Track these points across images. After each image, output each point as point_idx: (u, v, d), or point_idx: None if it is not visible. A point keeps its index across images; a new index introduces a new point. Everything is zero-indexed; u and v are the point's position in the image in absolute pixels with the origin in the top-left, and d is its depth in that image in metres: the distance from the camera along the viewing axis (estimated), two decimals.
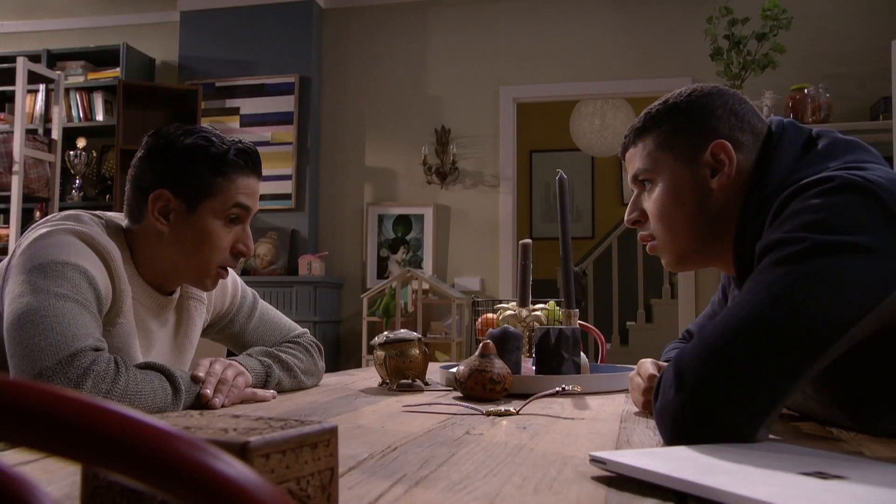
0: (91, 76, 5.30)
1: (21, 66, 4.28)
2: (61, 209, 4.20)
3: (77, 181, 5.17)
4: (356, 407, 1.22)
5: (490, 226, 5.00)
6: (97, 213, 1.32)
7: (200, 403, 1.20)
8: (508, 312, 1.64)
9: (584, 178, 7.61)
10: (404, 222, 5.12)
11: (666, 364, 1.10)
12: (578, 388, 1.28)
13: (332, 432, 0.55)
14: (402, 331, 1.47)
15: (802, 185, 0.92)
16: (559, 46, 4.99)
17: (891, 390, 0.93)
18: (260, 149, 5.50)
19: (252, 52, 5.20)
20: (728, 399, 0.81)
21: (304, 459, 0.52)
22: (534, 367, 1.49)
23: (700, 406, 0.82)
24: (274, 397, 1.31)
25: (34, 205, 4.85)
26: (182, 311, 1.41)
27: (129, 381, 1.09)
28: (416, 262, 5.05)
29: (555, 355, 1.45)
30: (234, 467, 0.25)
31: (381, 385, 1.53)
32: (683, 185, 1.07)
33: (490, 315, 1.80)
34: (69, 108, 5.22)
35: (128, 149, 4.67)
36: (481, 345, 1.34)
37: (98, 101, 5.23)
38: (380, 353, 1.45)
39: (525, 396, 1.23)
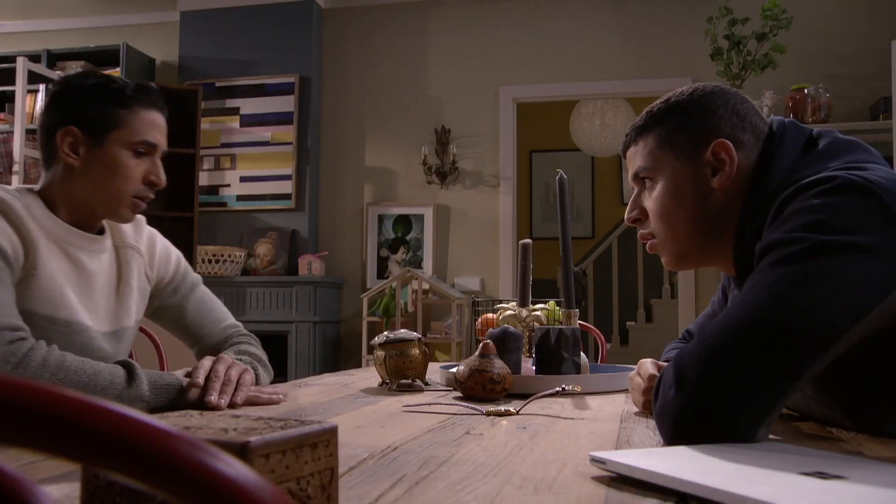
0: None
1: (21, 66, 4.28)
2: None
3: None
4: (356, 407, 1.22)
5: (490, 226, 5.00)
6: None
7: (198, 406, 1.19)
8: (508, 312, 1.64)
9: (584, 178, 7.61)
10: (404, 222, 5.12)
11: (666, 364, 1.10)
12: (578, 388, 1.28)
13: (332, 432, 0.55)
14: (402, 331, 1.47)
15: (802, 185, 0.92)
16: (559, 46, 4.99)
17: (891, 390, 0.93)
18: (260, 149, 5.49)
19: (252, 52, 5.20)
20: (728, 399, 0.81)
21: (304, 459, 0.52)
22: (534, 367, 1.49)
23: (700, 406, 0.82)
24: (283, 398, 1.31)
25: None
26: (119, 258, 1.43)
27: (48, 361, 1.10)
28: (416, 262, 5.05)
29: (555, 355, 1.45)
30: (234, 467, 0.25)
31: (381, 385, 1.53)
32: (684, 183, 1.07)
33: (490, 315, 1.80)
34: None
35: None
36: (481, 345, 1.34)
37: None
38: (380, 353, 1.45)
39: (525, 396, 1.23)
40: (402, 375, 1.44)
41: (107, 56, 5.29)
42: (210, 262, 4.83)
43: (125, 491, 0.48)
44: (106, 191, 1.32)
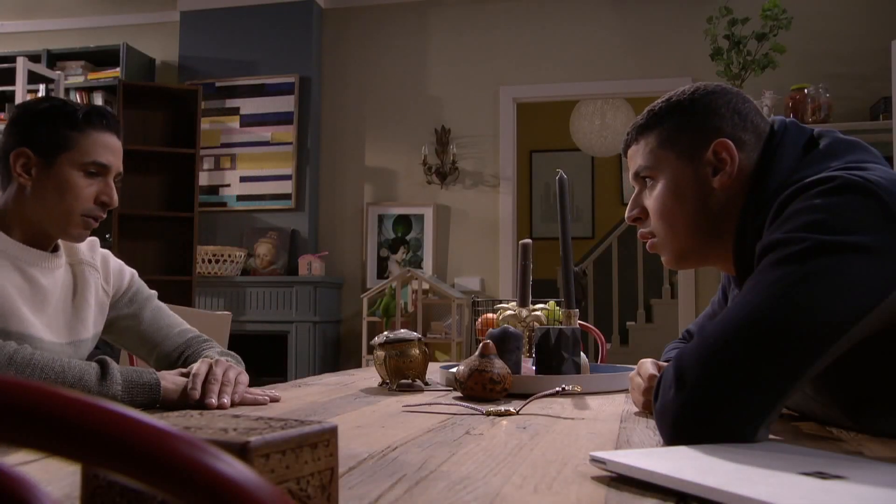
0: (91, 76, 5.30)
1: (21, 66, 4.28)
2: None
3: None
4: (356, 407, 1.22)
5: (490, 226, 5.00)
6: None
7: (198, 406, 1.19)
8: (508, 312, 1.64)
9: (584, 178, 7.61)
10: (404, 222, 5.12)
11: (666, 364, 1.10)
12: (578, 388, 1.28)
13: (332, 432, 0.55)
14: (402, 331, 1.47)
15: (803, 185, 0.92)
16: (559, 46, 4.99)
17: (891, 390, 0.93)
18: (260, 149, 5.49)
19: (252, 52, 5.20)
20: (728, 399, 0.81)
21: (304, 459, 0.52)
22: (534, 367, 1.49)
23: (700, 406, 0.82)
24: (277, 400, 1.31)
25: None
26: (75, 274, 1.46)
27: (14, 358, 1.12)
28: (416, 262, 5.05)
29: (555, 355, 1.45)
30: (234, 467, 0.25)
31: (381, 385, 1.53)
32: (685, 183, 1.07)
33: (490, 315, 1.80)
34: None
35: (128, 149, 4.66)
36: (481, 345, 1.34)
37: (98, 101, 5.23)
38: (380, 353, 1.45)
39: (525, 396, 1.23)
40: (402, 375, 1.44)
41: (107, 56, 5.29)
42: (210, 262, 4.83)
43: (125, 491, 0.48)
44: (56, 210, 1.34)
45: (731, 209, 1.05)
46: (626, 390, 1.40)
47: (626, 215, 1.18)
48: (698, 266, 1.16)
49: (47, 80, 4.74)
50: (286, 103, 5.13)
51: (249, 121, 5.18)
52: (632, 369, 1.30)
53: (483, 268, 4.99)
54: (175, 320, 1.58)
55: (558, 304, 1.63)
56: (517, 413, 1.13)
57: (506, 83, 5.02)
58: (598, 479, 0.70)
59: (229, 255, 4.86)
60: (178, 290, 4.58)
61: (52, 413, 0.25)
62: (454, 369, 1.39)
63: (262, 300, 4.85)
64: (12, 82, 4.32)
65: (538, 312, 1.63)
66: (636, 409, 1.18)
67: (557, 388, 1.20)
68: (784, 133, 1.05)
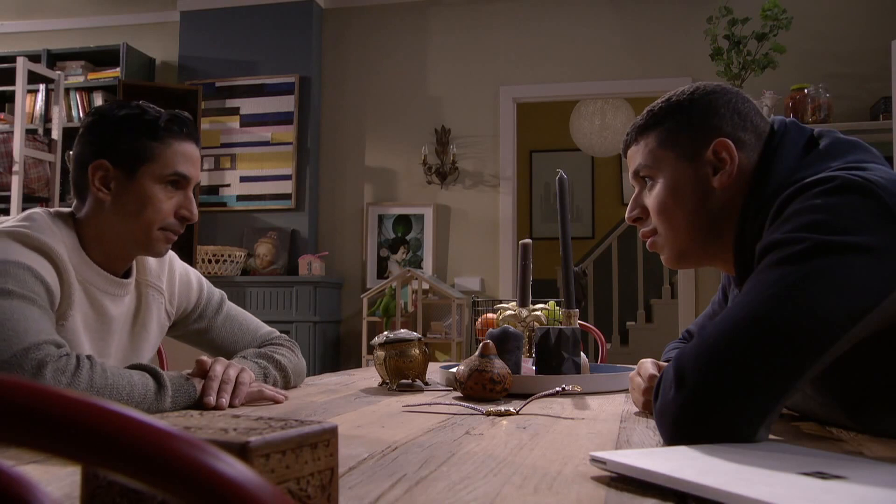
0: (91, 76, 5.30)
1: (21, 66, 4.28)
2: (59, 208, 4.19)
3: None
4: (356, 407, 1.22)
5: (490, 226, 5.00)
6: (52, 208, 1.34)
7: (198, 405, 1.19)
8: (508, 312, 1.64)
9: (584, 178, 7.61)
10: (404, 222, 5.12)
11: (666, 364, 1.10)
12: (578, 388, 1.28)
13: (332, 432, 0.55)
14: (402, 331, 1.47)
15: (803, 186, 0.92)
16: (559, 46, 4.99)
17: (891, 390, 0.93)
18: (260, 149, 5.48)
19: (252, 52, 5.20)
20: (728, 399, 0.81)
21: (304, 459, 0.52)
22: (534, 367, 1.49)
23: (700, 406, 0.82)
24: (286, 398, 1.30)
25: (34, 205, 4.85)
26: (140, 298, 1.42)
27: (94, 376, 1.08)
28: (416, 262, 5.05)
29: (555, 355, 1.45)
30: (234, 467, 0.25)
31: (381, 385, 1.53)
32: (684, 182, 1.07)
33: (490, 315, 1.80)
34: (69, 108, 5.22)
35: None
36: (481, 345, 1.34)
37: (98, 101, 5.23)
38: (380, 353, 1.45)
39: (525, 396, 1.23)
40: (402, 375, 1.44)
41: (107, 56, 5.29)
42: (210, 262, 4.83)
43: (125, 491, 0.48)
44: (135, 225, 1.29)
45: (732, 209, 1.05)
46: (626, 390, 1.40)
47: (626, 216, 1.18)
48: (698, 265, 1.16)
49: (47, 80, 4.74)
50: (286, 103, 5.13)
51: (249, 121, 5.17)
52: (632, 369, 1.30)
53: (483, 268, 4.99)
54: (247, 326, 1.56)
55: (558, 304, 1.63)
56: (517, 413, 1.13)
57: (506, 83, 5.02)
58: (598, 479, 0.70)
59: (229, 255, 4.86)
60: None
61: (52, 413, 0.25)
62: (454, 369, 1.39)
63: (262, 300, 4.85)
64: (12, 82, 4.31)
65: (538, 312, 1.63)
66: (636, 409, 1.18)
67: (557, 388, 1.20)
68: (784, 133, 1.05)
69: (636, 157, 1.14)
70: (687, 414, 0.82)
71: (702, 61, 4.54)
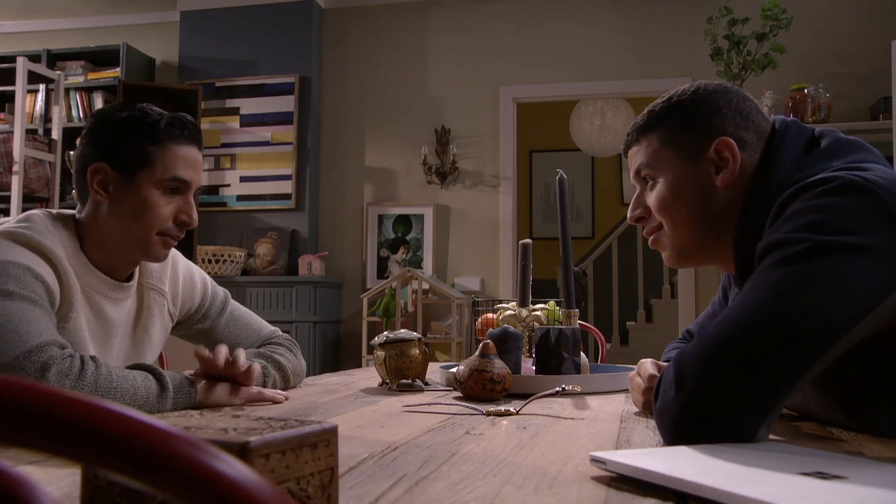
0: (91, 76, 5.30)
1: (21, 66, 4.28)
2: (61, 209, 4.20)
3: None
4: (356, 407, 1.22)
5: (490, 226, 5.00)
6: (52, 210, 1.33)
7: (199, 406, 1.19)
8: (508, 312, 1.64)
9: (584, 178, 7.61)
10: (404, 222, 5.12)
11: (666, 364, 1.10)
12: (578, 388, 1.28)
13: (332, 432, 0.55)
14: (402, 331, 1.47)
15: (803, 186, 0.92)
16: (559, 46, 4.99)
17: (891, 391, 0.93)
18: (260, 149, 5.47)
19: (252, 52, 5.20)
20: (728, 399, 0.81)
21: (304, 459, 0.52)
22: (534, 367, 1.49)
23: (700, 406, 0.82)
24: (286, 398, 1.30)
25: (34, 205, 4.85)
26: (142, 301, 1.41)
27: (98, 378, 1.08)
28: (416, 262, 5.05)
29: (555, 355, 1.45)
30: (234, 467, 0.25)
31: (381, 385, 1.53)
32: (687, 182, 1.07)
33: (490, 315, 1.80)
34: (69, 108, 5.22)
35: None
36: (481, 345, 1.34)
37: (98, 101, 5.23)
38: (380, 353, 1.45)
39: (525, 396, 1.23)
40: (402, 375, 1.44)
41: (107, 56, 5.29)
42: (210, 261, 4.83)
43: (125, 491, 0.48)
44: (133, 230, 1.28)
45: (733, 208, 1.05)
46: (626, 390, 1.40)
47: (628, 215, 1.17)
48: (699, 265, 1.16)
49: (47, 80, 4.73)
50: (286, 103, 5.13)
51: (249, 121, 5.17)
52: (632, 369, 1.30)
53: (483, 268, 4.99)
54: (250, 327, 1.55)
55: (558, 304, 1.63)
56: (517, 413, 1.13)
57: (506, 83, 5.02)
58: (598, 479, 0.70)
59: (229, 255, 4.86)
60: None
61: (52, 413, 0.25)
62: (454, 369, 1.39)
63: (262, 300, 4.85)
64: (12, 82, 4.31)
65: (538, 312, 1.63)
66: (636, 409, 1.18)
67: (557, 388, 1.20)
68: (785, 132, 1.05)
69: (637, 157, 1.13)
70: (687, 414, 0.82)
71: (702, 61, 4.54)
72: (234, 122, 5.19)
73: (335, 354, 5.07)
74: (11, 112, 4.67)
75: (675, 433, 0.83)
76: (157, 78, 5.53)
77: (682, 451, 0.75)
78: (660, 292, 6.42)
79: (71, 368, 1.06)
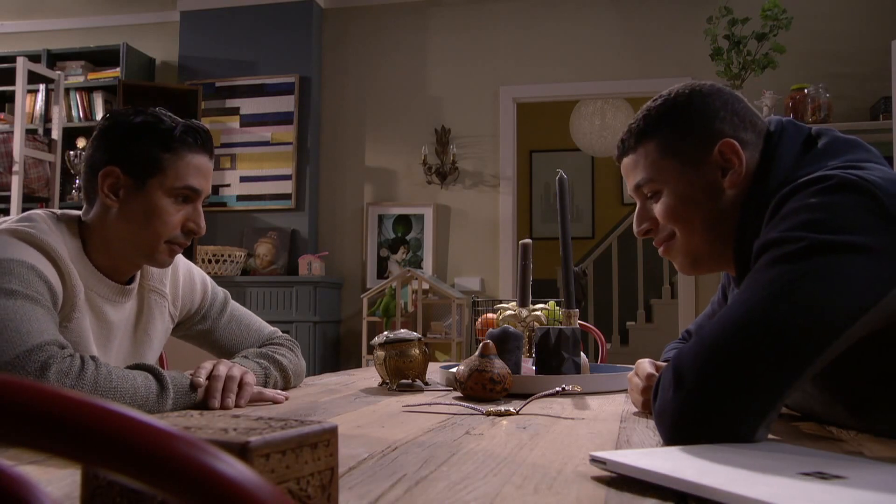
0: (91, 76, 5.30)
1: (21, 66, 4.28)
2: (61, 209, 4.20)
3: (77, 181, 5.17)
4: (356, 407, 1.22)
5: (490, 226, 5.00)
6: (55, 210, 1.33)
7: (198, 406, 1.19)
8: (508, 312, 1.64)
9: (584, 178, 7.61)
10: (404, 222, 5.12)
11: (664, 364, 1.09)
12: (578, 388, 1.28)
13: (332, 432, 0.55)
14: (402, 331, 1.47)
15: (800, 184, 0.92)
16: (559, 46, 4.99)
17: (891, 390, 0.93)
18: (260, 149, 5.47)
19: (252, 52, 5.20)
20: (727, 399, 0.81)
21: (304, 459, 0.52)
22: (534, 367, 1.49)
23: (699, 406, 0.82)
24: (286, 399, 1.30)
25: (34, 205, 4.84)
26: (143, 303, 1.40)
27: (98, 378, 1.08)
28: (416, 262, 5.05)
29: (555, 355, 1.45)
30: (234, 467, 0.25)
31: (381, 385, 1.53)
32: (693, 189, 1.05)
33: (490, 315, 1.80)
34: (69, 108, 5.22)
35: None
36: (481, 345, 1.33)
37: (98, 101, 5.23)
38: (380, 353, 1.45)
39: (525, 396, 1.23)
40: (402, 375, 1.44)
41: (107, 56, 5.29)
42: (210, 262, 4.83)
43: (125, 491, 0.48)
44: (140, 236, 1.28)
45: (735, 208, 1.05)
46: (626, 390, 1.40)
47: (635, 231, 1.15)
48: (712, 271, 1.12)
49: (47, 80, 4.73)
50: (286, 103, 5.13)
51: (249, 121, 5.17)
52: (632, 369, 1.30)
53: (483, 268, 4.99)
54: (250, 327, 1.55)
55: (558, 304, 1.63)
56: (517, 413, 1.13)
57: (506, 83, 5.02)
58: (598, 479, 0.70)
59: (229, 255, 4.86)
60: None
61: (52, 413, 0.25)
62: (454, 369, 1.39)
63: (262, 300, 4.85)
64: (12, 82, 4.31)
65: (538, 312, 1.63)
66: (636, 409, 1.18)
67: (557, 388, 1.20)
68: (783, 131, 1.05)
69: (636, 171, 1.10)
70: (686, 414, 0.82)
71: (702, 61, 4.54)
72: (234, 122, 5.19)
73: (335, 354, 5.07)
74: (11, 112, 4.67)
75: (675, 433, 0.83)
76: (157, 78, 5.53)
77: (682, 451, 0.75)
78: (660, 292, 6.42)
79: (71, 368, 1.06)
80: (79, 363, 1.08)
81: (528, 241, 1.60)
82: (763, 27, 4.24)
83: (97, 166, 1.28)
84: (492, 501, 0.62)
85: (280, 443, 0.49)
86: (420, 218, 5.08)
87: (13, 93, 4.33)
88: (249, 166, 5.14)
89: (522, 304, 1.60)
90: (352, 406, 1.23)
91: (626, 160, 1.13)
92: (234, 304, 1.57)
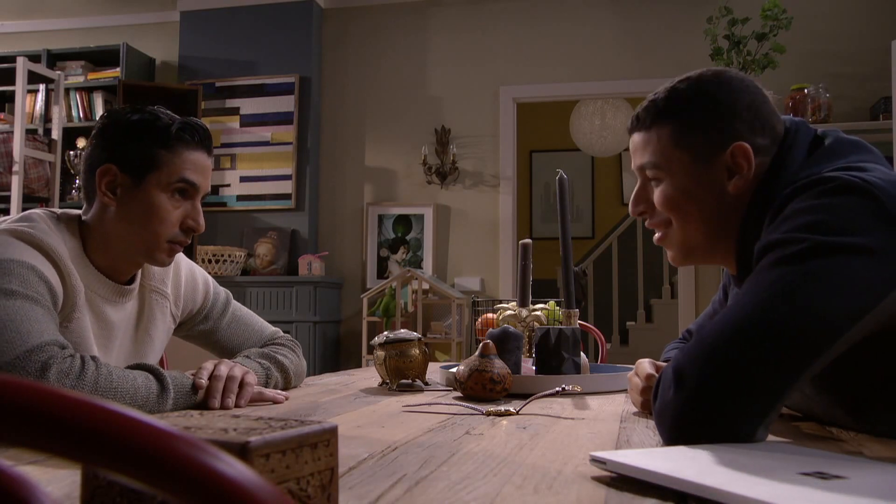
0: (91, 76, 5.30)
1: (21, 66, 4.28)
2: (61, 209, 4.20)
3: (77, 181, 5.17)
4: (356, 407, 1.22)
5: (490, 226, 5.00)
6: (55, 209, 1.32)
7: (199, 406, 1.19)
8: (508, 312, 1.64)
9: (584, 178, 7.61)
10: (404, 222, 5.12)
11: (664, 364, 1.09)
12: (578, 388, 1.28)
13: (332, 432, 0.55)
14: (402, 331, 1.47)
15: (801, 186, 0.92)
16: (559, 46, 4.98)
17: (891, 391, 0.93)
18: (260, 149, 5.47)
19: (252, 52, 5.20)
20: (727, 399, 0.81)
21: (304, 459, 0.52)
22: (534, 367, 1.49)
23: (699, 406, 0.82)
24: (286, 399, 1.30)
25: (34, 205, 4.84)
26: (144, 303, 1.40)
27: (99, 378, 1.08)
28: (416, 262, 5.05)
29: (555, 355, 1.45)
30: (234, 467, 0.25)
31: (381, 385, 1.53)
32: (698, 185, 1.05)
33: (490, 315, 1.80)
34: (69, 108, 5.22)
35: None
36: (481, 345, 1.33)
37: (98, 101, 5.23)
38: (380, 353, 1.45)
39: (525, 396, 1.23)
40: (402, 375, 1.44)
41: (107, 56, 5.29)
42: (210, 262, 4.83)
43: (125, 491, 0.48)
44: (141, 234, 1.27)
45: (740, 209, 1.04)
46: (626, 390, 1.40)
47: (630, 210, 1.14)
48: (704, 263, 1.14)
49: (47, 80, 4.73)
50: (286, 103, 5.13)
51: (249, 121, 5.17)
52: (632, 369, 1.30)
53: (483, 268, 4.99)
54: (252, 328, 1.55)
55: (558, 304, 1.63)
56: (517, 413, 1.13)
57: (506, 83, 5.02)
58: (598, 479, 0.70)
59: (229, 255, 4.86)
60: None
61: (52, 413, 0.25)
62: (454, 369, 1.39)
63: (262, 300, 4.85)
64: (12, 82, 4.31)
65: (538, 312, 1.63)
66: (636, 409, 1.18)
67: (557, 388, 1.20)
68: (796, 134, 1.03)
69: (645, 151, 1.08)
70: (686, 414, 0.82)
71: (702, 61, 4.53)
72: (234, 122, 5.19)
73: (335, 354, 5.07)
74: (11, 112, 4.67)
75: (675, 433, 0.83)
76: (157, 78, 5.53)
77: (682, 451, 0.75)
78: (660, 292, 6.42)
79: (71, 368, 1.06)
80: (79, 363, 1.08)
81: (528, 241, 1.60)
82: (763, 27, 4.24)
83: (95, 165, 1.28)
84: (492, 501, 0.62)
85: (280, 443, 0.49)
86: (420, 218, 5.08)
87: (13, 93, 4.33)
88: (249, 166, 5.14)
89: (522, 304, 1.60)
90: (352, 406, 1.23)
91: (637, 137, 1.10)
92: (235, 305, 1.57)
